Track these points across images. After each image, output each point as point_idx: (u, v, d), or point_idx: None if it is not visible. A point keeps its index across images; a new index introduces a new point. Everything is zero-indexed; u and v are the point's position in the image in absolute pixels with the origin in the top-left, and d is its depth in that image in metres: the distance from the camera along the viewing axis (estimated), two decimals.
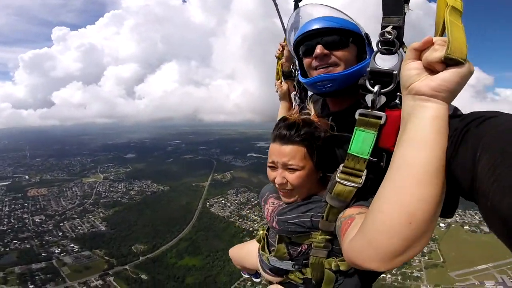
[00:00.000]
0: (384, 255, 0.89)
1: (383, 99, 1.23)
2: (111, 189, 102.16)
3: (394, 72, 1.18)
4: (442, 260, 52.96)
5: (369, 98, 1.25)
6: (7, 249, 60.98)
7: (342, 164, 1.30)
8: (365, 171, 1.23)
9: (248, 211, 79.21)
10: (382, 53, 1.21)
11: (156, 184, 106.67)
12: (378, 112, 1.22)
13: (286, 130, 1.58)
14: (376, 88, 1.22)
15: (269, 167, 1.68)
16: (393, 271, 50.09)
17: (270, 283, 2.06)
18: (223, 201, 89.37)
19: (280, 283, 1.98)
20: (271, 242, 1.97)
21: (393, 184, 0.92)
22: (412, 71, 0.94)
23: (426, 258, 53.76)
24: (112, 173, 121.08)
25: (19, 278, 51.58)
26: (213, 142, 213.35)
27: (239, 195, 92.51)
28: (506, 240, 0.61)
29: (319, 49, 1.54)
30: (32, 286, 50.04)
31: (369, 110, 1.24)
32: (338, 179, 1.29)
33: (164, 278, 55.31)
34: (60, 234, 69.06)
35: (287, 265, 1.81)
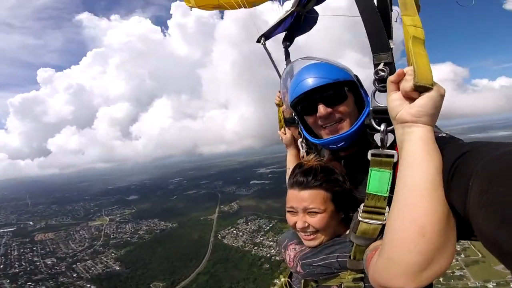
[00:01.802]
0: (407, 270, 0.90)
1: (391, 136, 1.23)
2: (119, 230, 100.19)
3: None
4: (480, 255, 50.77)
5: (377, 137, 1.26)
6: None
7: (363, 204, 1.30)
8: (387, 207, 1.23)
9: (261, 238, 77.89)
10: (380, 91, 1.21)
11: (164, 222, 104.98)
12: (389, 150, 1.23)
13: (303, 176, 1.58)
14: (382, 127, 1.24)
15: (289, 212, 1.65)
16: None
17: None
18: (234, 231, 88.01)
19: None
20: None
21: (399, 204, 0.98)
22: (395, 102, 1.02)
23: (463, 256, 52.24)
24: (118, 215, 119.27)
25: None
26: (214, 175, 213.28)
27: (249, 223, 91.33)
28: (499, 260, 0.64)
29: (322, 109, 1.57)
30: None
31: (380, 149, 1.26)
32: (361, 219, 1.29)
33: None
34: (74, 275, 66.72)
35: None
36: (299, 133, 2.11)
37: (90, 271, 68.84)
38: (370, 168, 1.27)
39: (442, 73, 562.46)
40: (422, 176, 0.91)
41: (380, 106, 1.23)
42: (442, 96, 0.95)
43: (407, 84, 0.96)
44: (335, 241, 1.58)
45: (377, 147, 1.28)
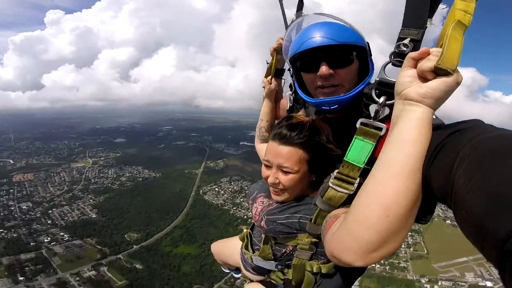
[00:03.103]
0: (361, 247, 0.93)
1: (386, 110, 1.25)
2: (101, 174, 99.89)
3: None
4: (426, 252, 55.41)
5: (373, 108, 1.27)
6: None
7: (337, 170, 1.31)
8: (359, 179, 1.25)
9: (242, 200, 78.50)
10: (394, 64, 1.20)
11: (148, 170, 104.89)
12: (379, 123, 1.23)
13: (287, 130, 1.57)
14: (382, 99, 1.24)
15: (264, 165, 1.69)
16: (382, 261, 51.02)
17: (251, 280, 2.09)
18: (216, 189, 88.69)
19: (261, 282, 2.01)
20: (255, 241, 1.99)
21: (373, 179, 0.98)
22: (406, 78, 0.99)
23: (411, 249, 56.11)
24: (102, 158, 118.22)
25: (7, 270, 49.29)
26: (205, 129, 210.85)
27: (232, 183, 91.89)
28: (476, 245, 0.65)
29: (324, 69, 1.50)
30: (22, 278, 47.90)
31: (371, 120, 1.26)
32: (331, 185, 1.31)
33: (160, 267, 54.43)
34: (49, 222, 66.57)
35: (270, 265, 1.82)
36: (290, 86, 2.13)
37: (66, 218, 69.03)
38: (354, 136, 1.27)
39: None
40: (406, 156, 0.91)
41: (387, 79, 1.23)
42: (457, 84, 0.93)
43: (428, 63, 0.92)
44: (301, 203, 1.65)
45: (367, 117, 1.28)
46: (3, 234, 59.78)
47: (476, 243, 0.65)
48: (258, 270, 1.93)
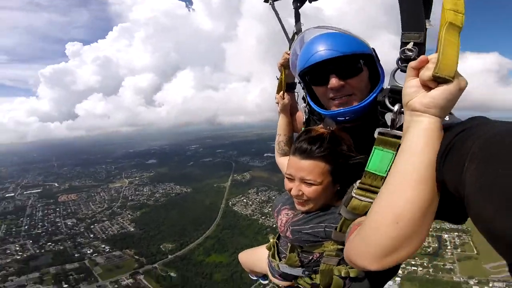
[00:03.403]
0: (375, 252, 0.95)
1: (403, 118, 1.17)
2: (137, 192, 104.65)
3: None
4: (475, 252, 51.69)
5: (388, 116, 1.25)
6: (42, 250, 63.61)
7: (359, 181, 1.30)
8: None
9: (269, 209, 77.06)
10: (402, 71, 1.17)
11: (179, 186, 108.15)
12: (397, 131, 1.19)
13: (308, 144, 1.57)
14: (396, 107, 1.21)
15: (287, 178, 1.70)
16: (425, 263, 49.47)
17: (279, 287, 2.12)
18: (244, 200, 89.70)
19: (287, 287, 2.04)
20: (281, 249, 2.03)
21: (386, 188, 1.00)
22: (411, 89, 0.99)
23: (459, 250, 52.69)
24: (137, 178, 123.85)
25: (54, 278, 53.45)
26: (229, 145, 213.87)
27: (259, 193, 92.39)
28: (492, 244, 0.64)
29: (335, 81, 1.50)
30: (66, 285, 51.67)
31: (389, 129, 1.23)
32: (354, 195, 1.30)
33: (193, 275, 55.87)
34: (91, 236, 71.40)
35: (297, 272, 1.85)
36: (303, 98, 2.07)
37: (106, 232, 73.58)
38: (374, 147, 1.26)
39: (486, 63, 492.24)
40: (413, 165, 0.92)
41: (398, 86, 1.22)
42: (461, 90, 0.91)
43: (427, 72, 0.92)
44: (325, 212, 1.65)
45: (384, 125, 1.26)
46: (51, 247, 65.40)
47: (492, 243, 0.63)
48: (285, 276, 1.97)
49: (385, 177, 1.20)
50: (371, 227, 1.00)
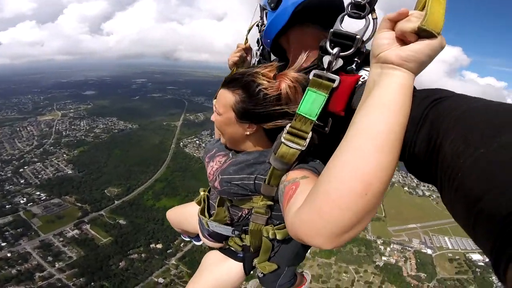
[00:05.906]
0: (333, 230, 0.81)
1: (340, 62, 1.22)
2: (73, 127, 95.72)
3: (357, 36, 1.16)
4: (384, 215, 58.80)
5: (326, 59, 1.23)
6: None
7: (289, 124, 1.25)
8: (310, 133, 1.20)
9: None
10: (350, 16, 1.17)
11: (123, 122, 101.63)
12: (332, 74, 1.20)
13: (234, 75, 1.49)
14: (335, 50, 1.20)
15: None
16: None
17: (211, 248, 2.02)
18: (197, 142, 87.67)
19: (220, 249, 1.97)
20: (212, 204, 1.86)
21: (351, 150, 0.84)
22: (383, 40, 0.92)
23: None
24: (71, 110, 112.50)
25: None
26: (183, 82, 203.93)
27: (213, 136, 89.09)
28: (466, 228, 0.61)
29: None
30: (4, 243, 46.26)
31: (324, 71, 1.22)
32: (283, 140, 1.24)
33: (144, 221, 54.70)
34: (22, 181, 63.57)
35: (226, 230, 1.75)
36: (258, 41, 2.03)
37: (39, 176, 66.25)
38: (307, 88, 1.23)
39: (445, 53, 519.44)
40: (388, 126, 0.81)
41: (341, 31, 1.20)
42: (441, 48, 0.85)
43: (410, 24, 0.85)
44: (258, 161, 1.51)
45: (323, 69, 1.25)
46: None
47: (467, 226, 0.60)
48: (215, 236, 1.85)
49: (314, 121, 1.19)
50: (331, 198, 0.82)
